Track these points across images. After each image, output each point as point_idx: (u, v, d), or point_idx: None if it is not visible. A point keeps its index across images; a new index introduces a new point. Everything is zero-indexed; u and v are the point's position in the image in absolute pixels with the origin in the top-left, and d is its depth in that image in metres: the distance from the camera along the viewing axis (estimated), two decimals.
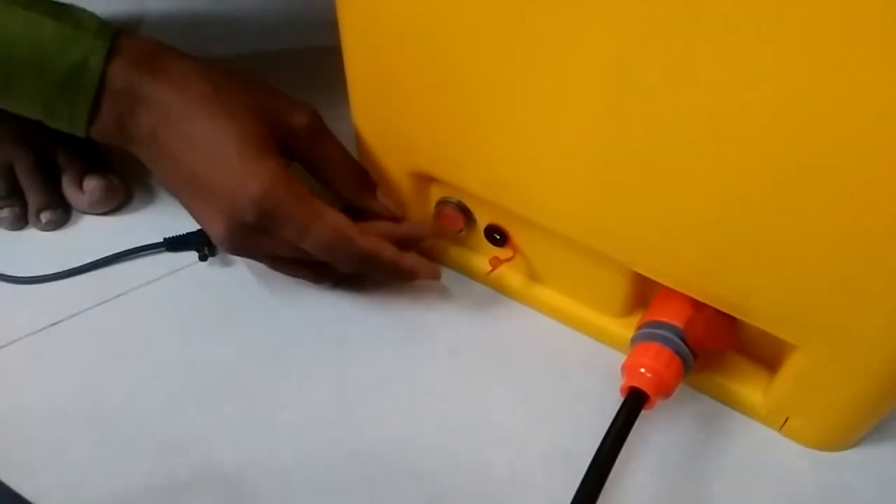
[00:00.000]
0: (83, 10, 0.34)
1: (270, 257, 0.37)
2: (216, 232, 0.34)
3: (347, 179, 0.39)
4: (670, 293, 0.32)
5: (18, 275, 0.41)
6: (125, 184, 0.46)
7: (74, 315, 0.39)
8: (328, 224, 0.34)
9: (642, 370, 0.31)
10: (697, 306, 0.32)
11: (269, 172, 0.33)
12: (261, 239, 0.34)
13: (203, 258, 0.41)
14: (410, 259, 0.36)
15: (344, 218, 0.34)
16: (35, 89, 0.33)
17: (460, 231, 0.39)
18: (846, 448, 0.34)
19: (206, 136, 0.33)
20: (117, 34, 0.34)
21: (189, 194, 0.35)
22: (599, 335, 0.38)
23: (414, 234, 0.39)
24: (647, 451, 0.33)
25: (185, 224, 0.40)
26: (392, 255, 0.36)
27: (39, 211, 0.43)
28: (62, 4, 0.34)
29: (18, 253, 0.42)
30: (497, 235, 0.38)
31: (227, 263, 0.42)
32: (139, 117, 0.34)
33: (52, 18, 0.33)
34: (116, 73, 0.33)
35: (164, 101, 0.34)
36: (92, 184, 0.44)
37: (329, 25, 0.35)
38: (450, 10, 0.29)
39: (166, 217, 0.44)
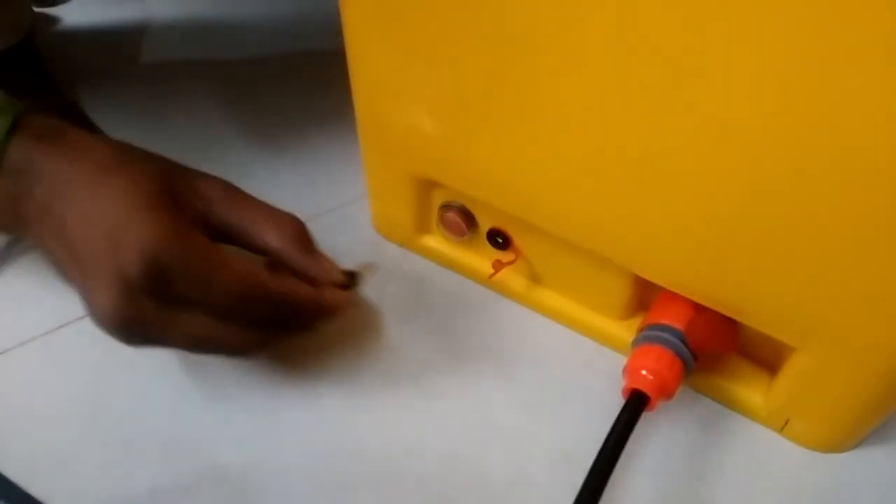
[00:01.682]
0: None
1: (172, 335, 0.30)
2: (103, 303, 0.28)
3: (283, 234, 0.33)
4: (671, 296, 0.33)
5: (23, 277, 0.41)
6: None
7: (82, 318, 0.39)
8: (234, 271, 0.29)
9: (644, 372, 0.31)
10: (698, 309, 0.32)
11: (160, 223, 0.28)
12: (155, 310, 0.29)
13: None
14: (329, 294, 0.33)
15: (250, 262, 0.30)
16: None
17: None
18: (847, 450, 0.34)
19: (96, 200, 0.29)
20: (23, 111, 0.30)
21: (75, 268, 0.29)
22: (601, 337, 0.38)
23: (323, 276, 0.34)
24: (648, 453, 0.33)
25: None
26: (309, 293, 0.32)
27: None
28: None
29: (22, 254, 0.43)
30: (499, 239, 0.38)
31: None
32: (32, 194, 0.30)
33: None
34: (16, 149, 0.30)
35: (57, 173, 0.30)
36: None
37: (333, 30, 0.35)
38: (453, 16, 0.29)
39: None
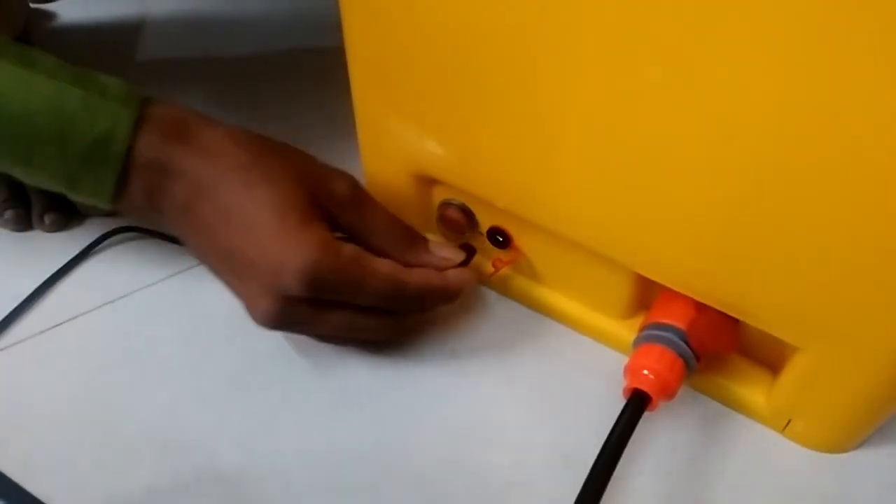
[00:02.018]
0: (110, 78, 0.32)
1: (320, 329, 0.35)
2: (263, 309, 0.32)
3: (397, 243, 0.36)
4: (673, 295, 0.33)
5: (22, 276, 0.41)
6: None
7: (78, 316, 0.39)
8: (380, 274, 0.32)
9: (645, 372, 0.31)
10: (700, 308, 0.32)
11: (313, 240, 0.30)
12: (308, 312, 0.32)
13: None
14: (454, 277, 0.36)
15: (391, 263, 0.33)
16: (58, 161, 0.31)
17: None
18: (849, 450, 0.34)
19: (244, 208, 0.31)
20: (146, 101, 0.32)
21: (229, 270, 0.33)
22: (602, 337, 0.38)
23: (448, 266, 0.37)
24: (649, 453, 0.33)
25: None
26: (440, 281, 0.35)
27: (43, 212, 0.44)
28: (88, 72, 0.32)
29: (23, 255, 0.42)
30: (500, 237, 0.38)
31: None
32: (170, 191, 0.32)
33: (78, 87, 0.31)
34: (145, 143, 0.31)
35: (197, 173, 0.31)
36: None
37: (332, 27, 0.35)
38: (454, 13, 0.29)
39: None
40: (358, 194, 0.35)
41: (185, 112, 0.33)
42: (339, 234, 0.33)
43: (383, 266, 0.33)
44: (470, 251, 0.39)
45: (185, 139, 0.32)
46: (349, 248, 0.32)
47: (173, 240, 0.42)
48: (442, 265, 0.37)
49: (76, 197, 0.33)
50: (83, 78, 0.31)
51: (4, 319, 0.38)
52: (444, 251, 0.37)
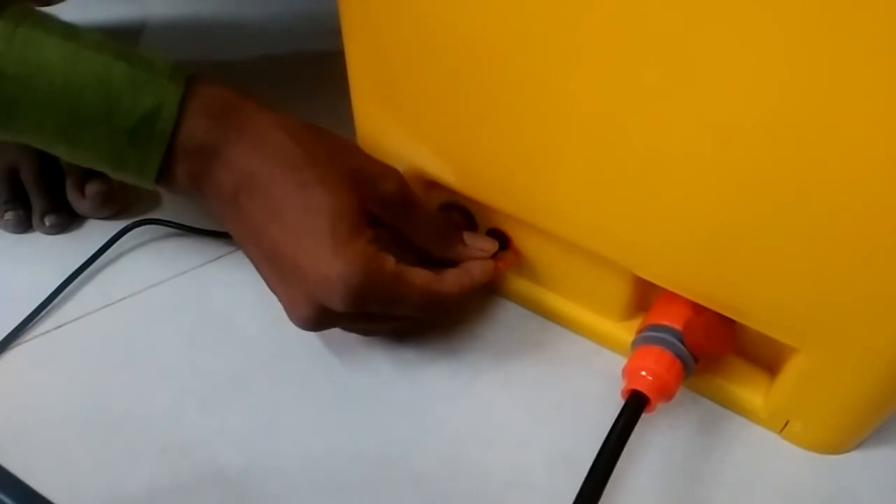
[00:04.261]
0: (155, 53, 0.31)
1: (355, 331, 0.37)
2: (302, 315, 0.32)
3: (438, 241, 0.37)
4: (672, 297, 0.33)
5: (23, 278, 0.41)
6: (127, 188, 0.46)
7: (79, 318, 0.39)
8: (417, 290, 0.33)
9: (643, 373, 0.31)
10: (698, 310, 0.32)
11: (363, 258, 0.30)
12: (347, 319, 0.33)
13: None
14: (478, 273, 0.36)
15: (427, 274, 0.34)
16: (104, 138, 0.30)
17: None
18: (846, 451, 0.34)
19: (297, 211, 0.30)
20: (191, 78, 0.31)
21: (271, 269, 0.32)
22: (600, 338, 0.38)
23: (481, 279, 0.37)
24: (648, 454, 0.33)
25: (190, 223, 0.40)
26: (470, 283, 0.36)
27: (43, 215, 0.44)
28: (132, 48, 0.31)
29: (23, 256, 0.43)
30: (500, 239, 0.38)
31: (231, 267, 0.42)
32: (217, 178, 0.31)
33: (124, 61, 0.30)
34: (193, 123, 0.31)
35: (249, 165, 0.31)
36: (94, 189, 0.44)
37: (332, 31, 0.35)
38: (452, 17, 0.29)
39: (168, 218, 0.44)
40: (405, 194, 0.35)
41: (232, 93, 0.32)
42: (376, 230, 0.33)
43: (420, 278, 0.33)
44: (502, 238, 0.39)
45: (235, 124, 0.31)
46: (391, 264, 0.32)
47: (189, 229, 0.42)
48: (478, 256, 0.37)
49: (121, 175, 0.32)
50: (128, 53, 0.30)
51: (21, 323, 0.38)
52: (479, 241, 0.38)
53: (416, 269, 0.33)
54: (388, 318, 0.34)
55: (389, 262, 0.32)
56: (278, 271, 0.32)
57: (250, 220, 0.31)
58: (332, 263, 0.30)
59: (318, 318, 0.32)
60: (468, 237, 0.38)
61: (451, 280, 0.35)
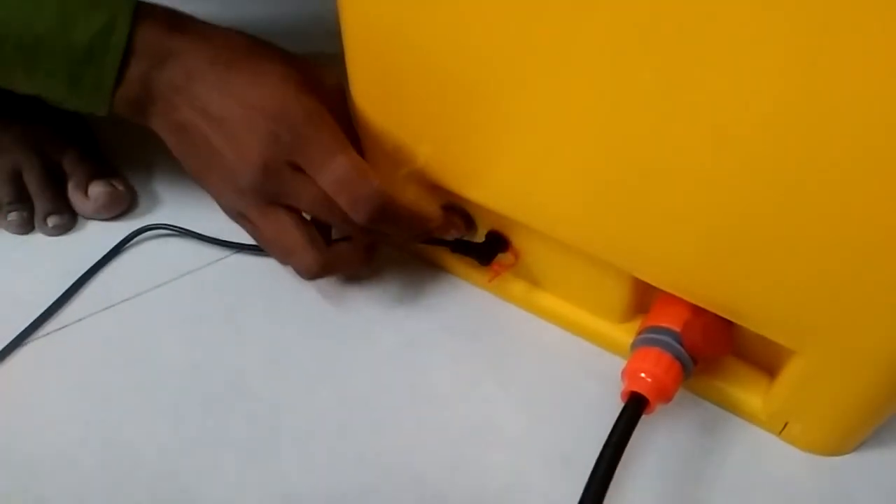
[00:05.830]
0: None
1: (296, 204, 0.35)
2: (249, 162, 0.32)
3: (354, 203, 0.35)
4: (671, 298, 0.33)
5: (26, 279, 0.41)
6: (130, 190, 0.46)
7: (81, 320, 0.39)
8: (348, 158, 0.33)
9: (642, 375, 0.31)
10: (697, 312, 0.32)
11: (311, 99, 0.32)
12: (289, 178, 0.33)
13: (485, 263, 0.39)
14: (428, 206, 0.36)
15: (364, 162, 0.34)
16: (60, 59, 0.32)
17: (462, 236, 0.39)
18: (845, 453, 0.34)
19: (244, 79, 0.33)
20: (140, 2, 0.33)
21: (216, 134, 0.33)
22: (600, 340, 0.38)
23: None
24: (647, 456, 0.33)
25: (190, 225, 0.40)
26: (409, 202, 0.35)
27: (46, 216, 0.44)
28: None
29: (25, 258, 0.43)
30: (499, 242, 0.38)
31: (231, 269, 0.42)
32: (167, 70, 0.33)
33: None
34: (144, 30, 0.32)
35: (194, 53, 0.33)
36: (97, 190, 0.44)
37: (332, 34, 0.35)
38: (452, 20, 0.29)
39: (169, 221, 0.44)
40: (342, 92, 0.36)
41: (177, 12, 0.34)
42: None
43: (357, 157, 0.33)
44: (501, 241, 0.38)
45: (183, 28, 0.33)
46: (335, 123, 0.33)
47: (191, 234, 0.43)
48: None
49: (75, 99, 0.33)
50: None
51: (29, 327, 0.38)
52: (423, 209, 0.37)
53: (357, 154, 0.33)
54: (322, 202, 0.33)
55: (334, 122, 0.33)
56: (224, 133, 0.33)
57: (196, 101, 0.33)
58: (283, 97, 0.32)
59: (266, 163, 0.32)
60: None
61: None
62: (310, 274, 0.36)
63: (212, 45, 0.34)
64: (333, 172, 0.32)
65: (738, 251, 0.28)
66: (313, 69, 0.36)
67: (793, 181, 0.25)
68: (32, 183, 0.44)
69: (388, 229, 0.35)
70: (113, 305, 0.40)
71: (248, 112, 0.32)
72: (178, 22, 0.34)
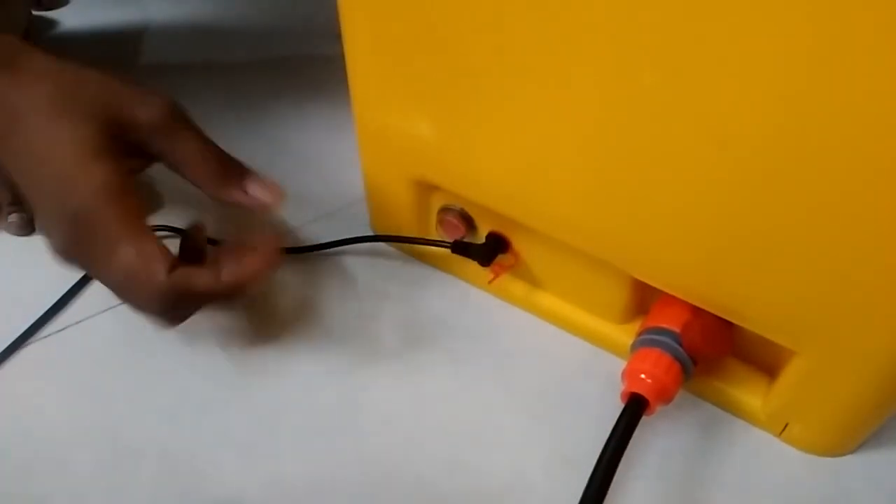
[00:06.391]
0: None
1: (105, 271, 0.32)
2: (54, 240, 0.31)
3: (208, 173, 0.34)
4: (671, 299, 0.33)
5: (26, 281, 0.41)
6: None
7: (81, 321, 0.39)
8: (135, 250, 0.30)
9: (642, 376, 0.31)
10: (697, 313, 0.32)
11: (99, 177, 0.30)
12: (87, 264, 0.31)
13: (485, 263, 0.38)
14: (234, 272, 0.32)
15: (162, 251, 0.31)
16: None
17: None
18: (845, 454, 0.34)
19: (45, 141, 0.31)
20: None
21: (33, 199, 0.32)
22: (600, 341, 0.38)
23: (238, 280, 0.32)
24: (647, 457, 0.33)
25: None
26: (207, 283, 0.31)
27: None
28: None
29: (26, 259, 0.43)
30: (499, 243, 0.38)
31: None
32: None
33: None
34: None
35: (13, 102, 0.31)
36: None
37: (333, 35, 0.35)
38: (454, 19, 0.29)
39: (169, 222, 0.44)
40: (166, 118, 0.33)
41: (17, 42, 0.33)
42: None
43: (151, 244, 0.31)
44: (501, 241, 0.38)
45: (9, 66, 0.31)
46: (132, 203, 0.31)
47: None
48: (255, 207, 0.35)
49: None
50: None
51: (31, 327, 0.38)
52: (259, 189, 0.35)
53: (155, 241, 0.31)
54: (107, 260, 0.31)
55: (132, 201, 0.31)
56: (37, 202, 0.31)
57: (19, 153, 0.31)
58: (72, 180, 0.30)
59: (66, 243, 0.31)
60: (249, 183, 0.35)
61: (182, 272, 0.31)
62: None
63: (31, 89, 0.31)
64: (118, 270, 0.30)
65: (738, 252, 0.28)
66: (130, 98, 0.33)
67: (793, 182, 0.25)
68: None
69: (193, 309, 0.33)
70: (113, 307, 0.40)
71: (41, 195, 0.31)
72: (9, 57, 0.32)
